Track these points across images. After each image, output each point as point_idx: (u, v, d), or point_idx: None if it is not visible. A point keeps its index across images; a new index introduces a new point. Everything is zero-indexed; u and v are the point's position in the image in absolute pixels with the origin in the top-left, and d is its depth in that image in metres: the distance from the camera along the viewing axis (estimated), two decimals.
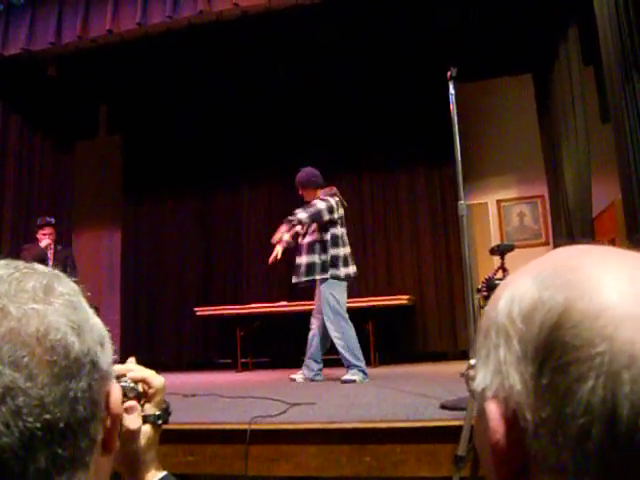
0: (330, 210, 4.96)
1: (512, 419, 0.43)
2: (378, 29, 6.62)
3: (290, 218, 4.95)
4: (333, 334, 4.81)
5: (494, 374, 0.46)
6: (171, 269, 8.48)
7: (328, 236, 4.99)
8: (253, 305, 7.28)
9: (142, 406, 0.95)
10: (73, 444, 0.53)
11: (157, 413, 0.96)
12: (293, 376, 5.02)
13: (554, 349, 0.41)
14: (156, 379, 0.96)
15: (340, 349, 4.77)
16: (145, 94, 8.03)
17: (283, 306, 7.03)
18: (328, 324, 4.82)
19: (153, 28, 6.35)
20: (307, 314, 5.25)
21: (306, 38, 6.80)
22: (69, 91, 7.68)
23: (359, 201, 7.88)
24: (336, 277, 4.92)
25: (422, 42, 6.81)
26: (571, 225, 5.91)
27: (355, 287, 5.71)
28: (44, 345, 0.52)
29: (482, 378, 0.47)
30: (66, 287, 0.58)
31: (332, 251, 4.95)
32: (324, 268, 4.93)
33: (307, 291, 5.51)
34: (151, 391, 0.95)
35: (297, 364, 5.30)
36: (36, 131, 7.51)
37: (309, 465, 2.42)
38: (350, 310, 5.05)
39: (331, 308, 4.83)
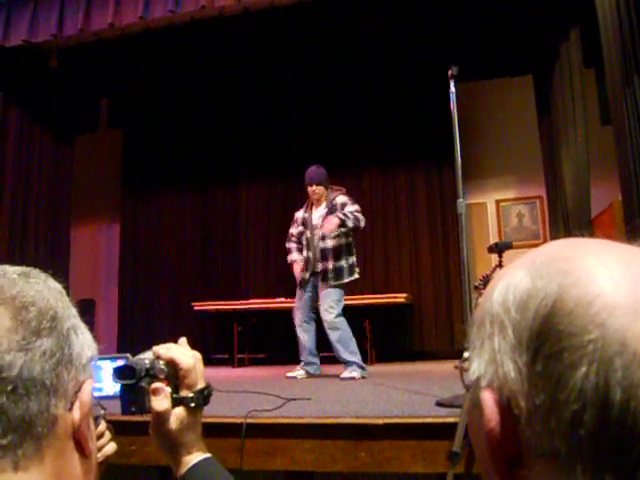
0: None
1: (506, 407, 0.44)
2: (380, 27, 6.62)
3: (346, 221, 4.99)
4: (335, 331, 4.84)
5: (488, 363, 0.46)
6: (169, 263, 8.48)
7: (350, 239, 5.14)
8: (251, 301, 7.29)
9: (176, 388, 0.95)
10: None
11: (190, 395, 0.95)
12: (291, 374, 5.02)
13: (548, 337, 0.42)
14: (185, 360, 0.95)
15: (337, 345, 4.79)
16: (146, 88, 8.02)
17: (281, 302, 7.03)
18: (331, 319, 4.84)
19: (155, 22, 6.35)
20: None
21: (308, 35, 6.80)
22: (70, 84, 7.66)
23: (358, 199, 7.85)
24: (354, 279, 5.10)
25: (424, 41, 6.81)
26: (569, 226, 5.92)
27: (353, 285, 5.72)
28: None
29: (476, 367, 0.48)
30: None
31: (354, 255, 5.15)
32: (351, 271, 5.05)
33: None
34: (181, 373, 0.95)
35: (294, 360, 5.30)
36: (36, 124, 7.48)
37: (304, 460, 2.42)
38: (347, 308, 5.06)
39: (338, 305, 4.91)
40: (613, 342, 0.39)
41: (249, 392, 3.40)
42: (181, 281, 8.39)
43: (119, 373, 0.92)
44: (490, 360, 0.46)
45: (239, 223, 8.41)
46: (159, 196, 8.68)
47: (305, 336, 5.06)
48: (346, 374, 4.68)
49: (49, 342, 0.58)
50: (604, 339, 0.39)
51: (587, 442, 0.39)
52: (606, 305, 0.41)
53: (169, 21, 6.45)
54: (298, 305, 5.14)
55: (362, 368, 4.78)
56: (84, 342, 0.64)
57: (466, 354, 0.52)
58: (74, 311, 0.65)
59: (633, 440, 0.37)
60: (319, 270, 5.03)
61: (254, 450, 2.46)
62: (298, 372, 5.01)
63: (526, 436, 0.42)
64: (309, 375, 4.99)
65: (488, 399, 0.45)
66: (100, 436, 1.01)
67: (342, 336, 4.81)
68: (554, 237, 6.68)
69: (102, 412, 1.00)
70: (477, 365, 0.48)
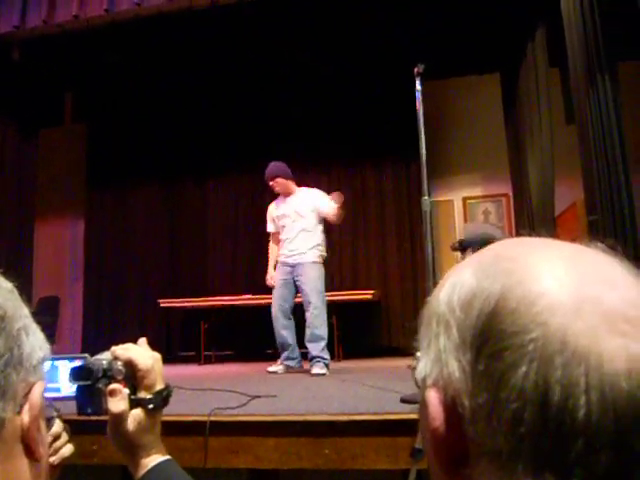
0: None
1: (451, 406, 0.44)
2: (348, 23, 6.62)
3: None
4: (323, 326, 4.94)
5: (434, 362, 0.46)
6: (135, 260, 8.38)
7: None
8: (217, 297, 7.25)
9: (134, 389, 0.93)
10: None
11: (148, 397, 0.93)
12: (271, 369, 5.03)
13: (490, 336, 0.42)
14: (143, 361, 0.93)
15: (322, 342, 4.85)
16: (111, 82, 7.90)
17: (247, 299, 7.01)
18: (320, 313, 4.97)
19: (121, 15, 6.24)
20: (271, 307, 5.24)
21: (276, 30, 6.76)
22: (34, 77, 7.50)
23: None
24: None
25: (392, 38, 6.82)
26: (534, 223, 5.99)
27: None
28: None
29: (423, 366, 0.48)
30: None
31: None
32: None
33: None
34: (139, 374, 0.93)
35: (260, 357, 5.29)
36: None
37: (268, 457, 2.42)
38: None
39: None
40: (554, 341, 0.39)
41: (214, 390, 3.37)
42: (147, 278, 8.30)
43: (75, 374, 0.90)
44: (436, 359, 0.46)
45: (206, 219, 8.36)
46: (125, 192, 8.58)
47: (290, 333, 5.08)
48: (317, 370, 4.70)
49: None
50: (545, 338, 0.39)
51: (527, 440, 0.39)
52: (548, 304, 0.41)
53: (135, 14, 6.34)
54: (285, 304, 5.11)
55: (327, 365, 4.83)
56: (35, 343, 0.62)
57: (418, 353, 0.52)
58: (26, 311, 0.63)
59: (571, 438, 0.38)
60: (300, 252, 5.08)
61: (218, 448, 2.45)
62: (278, 367, 5.02)
63: (470, 435, 0.42)
64: (290, 370, 5.00)
65: (433, 398, 0.45)
66: (56, 437, 0.98)
67: (326, 332, 4.90)
68: (520, 235, 6.75)
69: (55, 413, 0.97)
70: (424, 364, 0.48)
